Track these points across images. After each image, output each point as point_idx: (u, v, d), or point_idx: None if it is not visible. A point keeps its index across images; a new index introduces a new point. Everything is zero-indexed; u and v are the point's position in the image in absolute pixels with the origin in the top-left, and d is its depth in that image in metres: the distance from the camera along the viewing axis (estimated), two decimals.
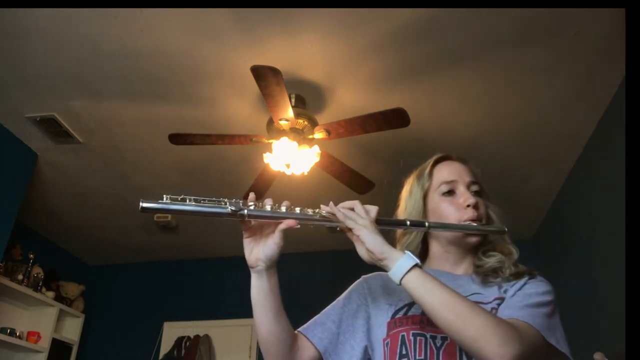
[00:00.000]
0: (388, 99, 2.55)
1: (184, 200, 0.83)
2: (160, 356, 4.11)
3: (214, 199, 0.85)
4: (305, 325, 1.02)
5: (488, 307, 0.89)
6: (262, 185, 2.82)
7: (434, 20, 2.13)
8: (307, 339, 0.99)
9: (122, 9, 2.10)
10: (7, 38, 2.26)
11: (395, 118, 2.33)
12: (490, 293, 0.93)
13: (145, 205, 0.80)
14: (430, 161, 1.09)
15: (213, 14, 2.13)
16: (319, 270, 4.03)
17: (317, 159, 2.58)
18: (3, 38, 2.26)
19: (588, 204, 2.99)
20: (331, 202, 0.91)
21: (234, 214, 0.84)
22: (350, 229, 0.89)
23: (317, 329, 1.01)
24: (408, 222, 0.97)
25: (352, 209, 0.91)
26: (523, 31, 2.19)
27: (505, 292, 0.93)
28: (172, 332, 4.23)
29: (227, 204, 0.85)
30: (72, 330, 4.06)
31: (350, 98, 2.61)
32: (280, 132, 2.52)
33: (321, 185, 3.10)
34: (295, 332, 0.99)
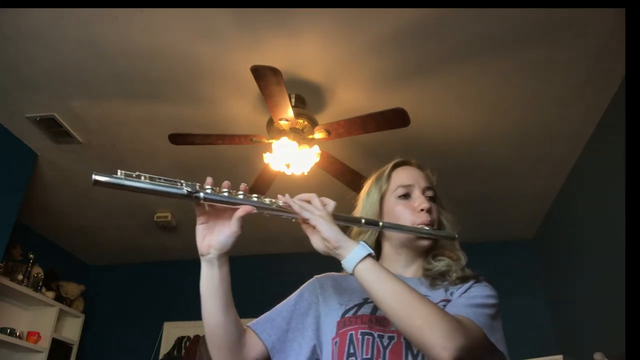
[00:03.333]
0: (388, 99, 2.55)
1: (138, 177, 0.80)
2: (160, 356, 4.11)
3: (170, 179, 0.83)
4: (255, 321, 1.02)
5: None
6: (262, 185, 2.82)
7: (434, 20, 2.13)
8: (256, 334, 0.99)
9: (122, 9, 2.09)
10: (7, 38, 2.26)
11: (395, 118, 2.33)
12: (437, 295, 0.96)
13: (97, 178, 0.77)
14: (390, 165, 1.14)
15: (213, 14, 2.13)
16: (319, 270, 4.02)
17: (317, 159, 2.58)
18: (3, 38, 2.26)
19: (588, 204, 2.99)
20: (287, 195, 0.91)
21: (189, 195, 0.82)
22: (306, 220, 0.89)
23: (266, 325, 1.01)
24: (363, 220, 0.98)
25: (309, 202, 0.92)
26: (523, 31, 2.19)
27: (451, 294, 0.96)
28: (172, 332, 4.23)
29: (183, 185, 0.83)
30: (72, 330, 4.05)
31: (350, 98, 2.61)
32: (280, 132, 2.52)
33: (321, 185, 3.10)
34: (245, 326, 0.99)
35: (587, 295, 3.06)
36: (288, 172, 2.57)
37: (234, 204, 0.87)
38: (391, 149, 2.90)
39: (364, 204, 1.12)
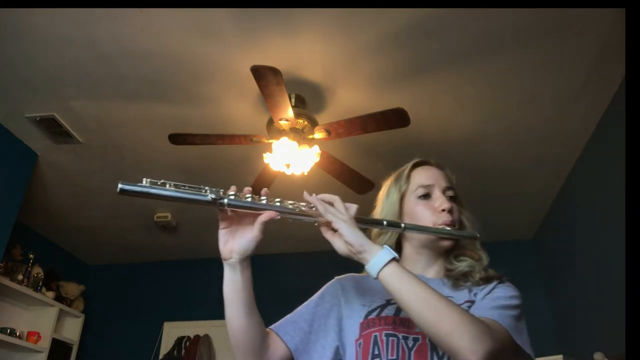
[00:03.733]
0: (388, 99, 2.55)
1: (163, 184, 0.81)
2: (160, 356, 4.11)
3: (194, 186, 0.84)
4: (277, 323, 1.02)
5: None
6: (262, 186, 2.82)
7: (434, 20, 2.13)
8: (279, 337, 0.99)
9: (122, 9, 2.09)
10: (7, 38, 2.26)
11: (395, 118, 2.33)
12: (461, 296, 0.95)
13: (123, 187, 0.78)
14: (409, 165, 1.12)
15: (213, 14, 2.13)
16: (319, 270, 4.02)
17: (317, 159, 2.58)
18: (3, 38, 2.26)
19: (588, 204, 2.99)
20: (314, 194, 0.91)
21: (213, 202, 0.83)
22: (328, 224, 0.89)
23: (288, 327, 1.01)
24: (385, 222, 0.97)
25: (332, 204, 0.91)
26: (523, 31, 2.19)
27: (475, 295, 0.95)
28: (172, 332, 4.23)
29: (208, 191, 0.83)
30: (72, 330, 4.05)
31: (350, 98, 2.61)
32: (280, 132, 2.52)
33: (321, 185, 3.10)
34: (267, 329, 0.99)
35: (587, 295, 3.06)
36: (288, 172, 2.57)
37: (257, 209, 0.88)
38: (391, 149, 2.94)
39: (383, 205, 1.10)
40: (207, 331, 4.12)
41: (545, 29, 2.18)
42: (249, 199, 0.87)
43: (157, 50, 2.32)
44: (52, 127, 2.85)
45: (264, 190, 0.90)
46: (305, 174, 2.60)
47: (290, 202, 0.91)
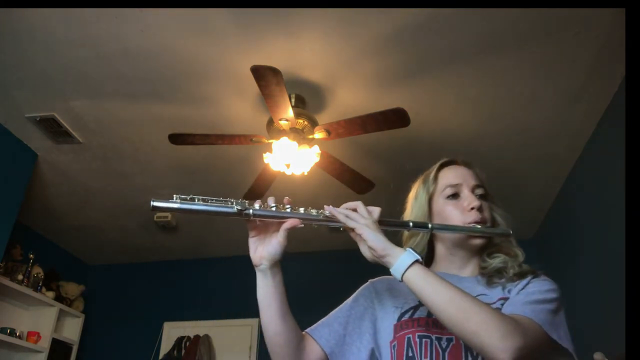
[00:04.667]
0: (388, 99, 2.55)
1: (192, 199, 0.86)
2: (160, 356, 4.11)
3: (220, 199, 0.87)
4: (312, 327, 1.03)
5: (492, 307, 0.89)
6: (262, 185, 2.82)
7: (434, 20, 2.13)
8: (314, 340, 1.00)
9: (122, 9, 2.09)
10: (7, 38, 2.26)
11: (395, 118, 2.33)
12: (495, 293, 0.95)
13: (156, 204, 0.83)
14: (436, 165, 1.11)
15: (213, 14, 2.13)
16: (319, 270, 4.02)
17: (317, 159, 2.58)
18: (3, 38, 2.26)
19: (588, 204, 2.99)
20: (330, 206, 0.92)
21: (239, 213, 0.87)
22: (352, 229, 0.90)
23: (324, 331, 1.02)
24: (411, 224, 0.98)
25: (355, 210, 0.92)
26: (523, 31, 2.19)
27: (509, 292, 0.94)
28: (172, 332, 4.23)
29: (234, 203, 0.87)
30: (72, 330, 4.05)
31: (350, 98, 2.61)
32: (280, 132, 2.52)
33: (321, 185, 3.10)
34: (303, 333, 1.00)
35: (587, 295, 3.06)
36: (288, 172, 2.57)
37: (282, 217, 0.92)
38: (391, 149, 2.94)
39: (412, 207, 1.10)
40: (207, 331, 4.12)
41: (545, 29, 2.18)
42: (274, 208, 0.91)
43: (157, 50, 2.32)
44: (52, 127, 2.85)
45: (286, 199, 0.93)
46: (305, 174, 2.60)
47: (314, 209, 0.93)
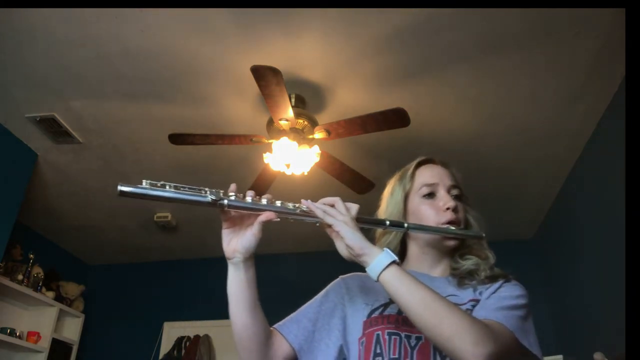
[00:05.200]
0: (388, 99, 2.55)
1: (163, 186, 0.82)
2: (160, 356, 4.11)
3: (194, 187, 0.84)
4: (281, 322, 1.02)
5: (463, 308, 0.89)
6: (262, 185, 2.82)
7: (434, 20, 2.13)
8: (283, 336, 0.99)
9: (122, 9, 2.09)
10: (7, 38, 2.26)
11: (395, 118, 2.33)
12: (466, 295, 0.95)
13: (123, 189, 0.79)
14: (413, 163, 1.11)
15: (213, 14, 2.13)
16: (319, 270, 4.02)
17: (317, 159, 2.58)
18: (3, 38, 2.26)
19: (588, 204, 2.99)
20: (309, 200, 0.91)
21: (213, 203, 0.84)
22: (329, 225, 0.89)
23: (292, 327, 1.01)
24: (387, 222, 0.97)
25: (333, 206, 0.91)
26: (523, 31, 2.19)
27: (480, 294, 0.94)
28: (172, 332, 4.23)
29: (208, 192, 0.84)
30: (72, 330, 4.05)
31: (350, 98, 2.61)
32: (280, 132, 2.52)
33: (321, 185, 3.10)
34: (271, 328, 0.99)
35: (587, 295, 3.06)
36: (288, 172, 2.57)
37: (257, 210, 0.89)
38: (391, 149, 2.94)
39: (388, 204, 1.10)
40: (207, 331, 4.12)
41: (545, 29, 2.18)
42: (249, 200, 0.88)
43: (157, 50, 2.32)
44: (52, 127, 2.85)
45: (267, 195, 0.90)
46: (305, 174, 2.60)
47: (291, 203, 0.91)
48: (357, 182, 2.83)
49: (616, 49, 2.23)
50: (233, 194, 0.87)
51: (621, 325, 1.43)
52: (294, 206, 0.91)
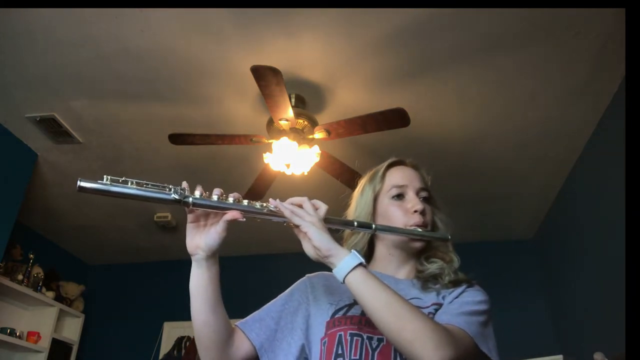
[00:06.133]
0: (388, 99, 2.55)
1: (125, 182, 0.80)
2: (160, 356, 4.11)
3: (158, 184, 0.83)
4: (243, 320, 1.02)
5: (425, 311, 0.91)
6: (262, 185, 2.82)
7: (434, 20, 2.13)
8: (244, 334, 0.99)
9: (122, 9, 2.09)
10: (7, 38, 2.26)
11: (395, 118, 2.33)
12: (429, 298, 0.95)
13: (83, 184, 0.77)
14: (384, 164, 1.12)
15: (213, 14, 2.13)
16: (320, 270, 4.03)
17: (317, 159, 2.58)
18: (3, 38, 2.26)
19: (588, 204, 2.99)
20: (277, 200, 0.91)
21: (177, 201, 0.83)
22: (297, 226, 0.89)
23: (254, 325, 1.01)
24: (355, 223, 0.98)
25: (301, 206, 0.91)
26: (523, 31, 2.19)
27: (443, 298, 0.95)
28: (172, 332, 4.23)
29: (172, 190, 0.83)
30: (72, 330, 4.05)
31: (350, 98, 2.61)
32: (280, 132, 2.52)
33: (321, 185, 3.10)
34: (233, 326, 0.99)
35: (587, 295, 3.06)
36: (288, 172, 2.57)
37: (223, 208, 0.88)
38: (391, 149, 2.90)
39: (357, 203, 1.11)
40: None
41: (545, 29, 2.18)
42: (215, 198, 0.87)
43: (157, 50, 2.32)
44: (52, 127, 2.85)
45: (235, 194, 0.90)
46: (305, 174, 2.60)
47: (258, 202, 0.90)
48: (356, 182, 2.83)
49: (616, 49, 2.23)
50: (199, 192, 0.86)
51: (621, 325, 1.43)
52: (261, 205, 0.90)
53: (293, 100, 2.55)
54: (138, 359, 4.16)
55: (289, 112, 2.36)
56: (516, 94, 2.58)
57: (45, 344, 3.64)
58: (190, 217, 0.90)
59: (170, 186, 0.83)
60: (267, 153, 2.53)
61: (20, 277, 3.48)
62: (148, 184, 0.81)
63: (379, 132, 2.45)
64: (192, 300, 0.92)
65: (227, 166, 3.20)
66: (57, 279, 4.00)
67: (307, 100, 2.63)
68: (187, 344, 4.07)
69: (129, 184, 0.80)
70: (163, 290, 4.47)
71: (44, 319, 3.73)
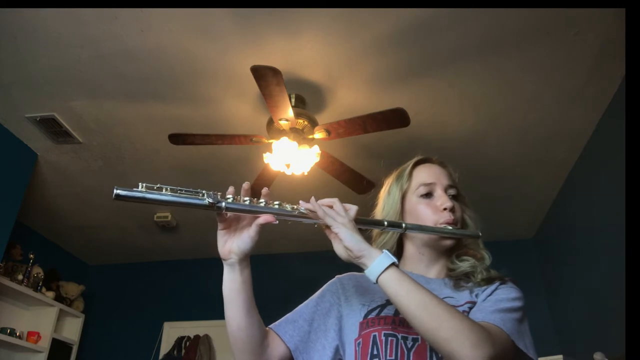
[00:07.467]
0: (388, 99, 2.55)
1: (160, 189, 0.81)
2: (160, 356, 4.11)
3: (191, 189, 0.83)
4: (276, 322, 1.02)
5: (459, 310, 0.89)
6: (262, 186, 2.80)
7: (434, 20, 2.13)
8: (278, 336, 0.99)
9: (122, 9, 2.09)
10: (7, 38, 2.26)
11: (395, 118, 2.33)
12: (462, 297, 0.95)
13: (119, 192, 0.78)
14: (410, 163, 1.10)
15: (213, 14, 2.13)
16: (320, 270, 4.02)
17: (317, 159, 2.58)
18: (3, 38, 2.26)
19: (588, 204, 2.99)
20: (312, 198, 0.91)
21: (211, 206, 0.83)
22: (328, 227, 0.89)
23: (288, 327, 1.00)
24: (385, 223, 0.97)
25: (331, 207, 0.91)
26: (523, 31, 2.19)
27: (476, 296, 0.94)
28: (172, 332, 4.23)
29: (205, 195, 0.83)
30: (72, 330, 4.05)
31: (350, 98, 2.61)
32: (280, 132, 2.52)
33: (321, 185, 3.10)
34: (267, 328, 0.98)
35: (587, 295, 3.06)
36: (288, 172, 2.57)
37: (255, 212, 0.88)
38: (391, 149, 2.93)
39: (384, 203, 1.09)
40: (207, 331, 4.12)
41: (545, 29, 2.18)
42: (247, 202, 0.87)
43: (157, 50, 2.32)
44: (52, 127, 2.85)
45: (264, 190, 0.90)
46: (305, 174, 2.60)
47: (289, 204, 0.90)
48: (357, 182, 2.83)
49: (616, 49, 2.23)
50: (231, 196, 0.86)
51: (621, 325, 1.43)
52: (292, 208, 0.90)
53: (293, 100, 2.55)
54: (138, 359, 4.16)
55: (289, 112, 2.36)
56: (516, 94, 2.58)
57: (45, 344, 3.64)
58: (221, 224, 0.90)
59: (203, 191, 0.83)
60: (267, 153, 2.53)
61: (20, 277, 3.48)
62: (182, 190, 0.82)
63: (379, 132, 2.45)
64: (227, 306, 0.92)
65: (227, 166, 3.20)
66: (57, 279, 4.00)
67: (307, 100, 2.63)
68: (187, 344, 4.07)
69: (164, 190, 0.81)
70: (163, 290, 4.48)
71: (44, 319, 3.73)
